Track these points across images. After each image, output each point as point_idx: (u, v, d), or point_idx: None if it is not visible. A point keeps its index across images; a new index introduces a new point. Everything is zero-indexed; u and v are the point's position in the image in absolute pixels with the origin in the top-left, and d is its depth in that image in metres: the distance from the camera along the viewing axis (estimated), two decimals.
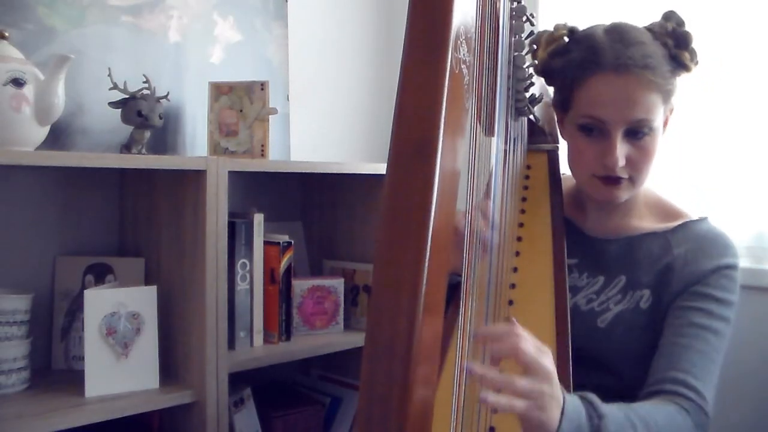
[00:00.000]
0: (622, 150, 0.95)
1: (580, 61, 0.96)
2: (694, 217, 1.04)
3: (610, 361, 0.99)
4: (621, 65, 0.92)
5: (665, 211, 1.06)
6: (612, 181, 0.98)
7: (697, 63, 1.00)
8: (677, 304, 0.97)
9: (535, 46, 1.05)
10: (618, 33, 0.96)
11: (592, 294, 1.03)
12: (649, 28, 0.99)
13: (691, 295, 0.96)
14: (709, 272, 0.97)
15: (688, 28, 0.98)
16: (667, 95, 0.96)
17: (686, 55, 0.97)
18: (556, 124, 1.10)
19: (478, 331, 0.76)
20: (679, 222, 1.03)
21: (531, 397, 0.71)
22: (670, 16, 0.99)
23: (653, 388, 0.91)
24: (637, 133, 0.95)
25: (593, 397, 0.80)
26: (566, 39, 1.02)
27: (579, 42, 0.99)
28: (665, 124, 1.02)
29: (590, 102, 0.95)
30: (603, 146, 0.96)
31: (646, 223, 1.05)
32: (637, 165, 0.97)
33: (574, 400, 0.77)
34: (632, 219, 1.06)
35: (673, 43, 0.97)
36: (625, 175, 0.97)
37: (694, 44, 0.98)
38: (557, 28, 1.03)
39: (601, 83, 0.94)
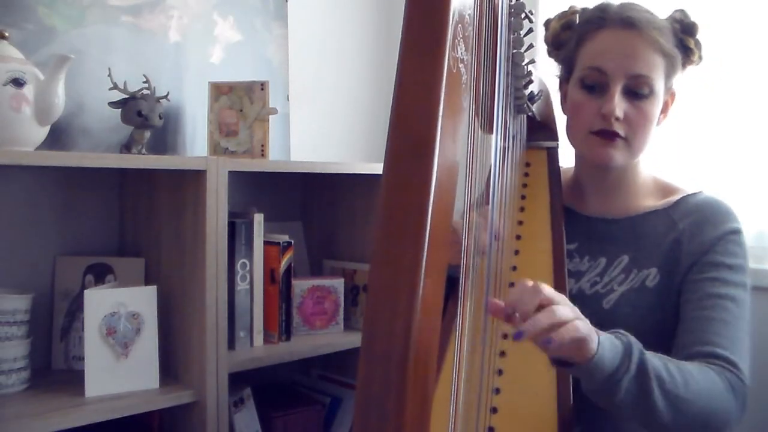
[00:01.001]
0: (620, 104, 0.96)
1: (588, 19, 1.01)
2: (691, 191, 1.05)
3: None
4: (627, 20, 0.97)
5: (663, 188, 1.07)
6: (608, 135, 0.98)
7: (701, 57, 1.02)
8: (690, 278, 0.97)
9: (546, 26, 1.10)
10: (628, 3, 1.01)
11: (596, 277, 1.03)
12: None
13: (703, 266, 0.96)
14: (716, 239, 0.97)
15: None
16: (670, 63, 0.98)
17: (691, 41, 1.00)
18: (561, 103, 1.11)
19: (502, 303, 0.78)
20: (678, 197, 1.04)
21: (575, 318, 0.75)
22: (679, 10, 1.03)
23: None
24: (637, 93, 0.97)
25: (630, 336, 0.83)
26: (577, 17, 1.06)
27: (591, 10, 1.03)
28: (666, 107, 1.03)
29: (593, 53, 0.99)
30: (601, 101, 0.98)
31: (645, 202, 1.06)
32: (633, 125, 0.98)
33: (609, 338, 0.81)
34: (632, 199, 1.06)
35: (680, 27, 1.00)
36: (621, 132, 0.98)
37: (701, 38, 1.01)
38: (572, 7, 1.08)
39: (606, 36, 0.99)
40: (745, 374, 0.88)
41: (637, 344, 0.81)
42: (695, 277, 0.96)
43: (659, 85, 0.98)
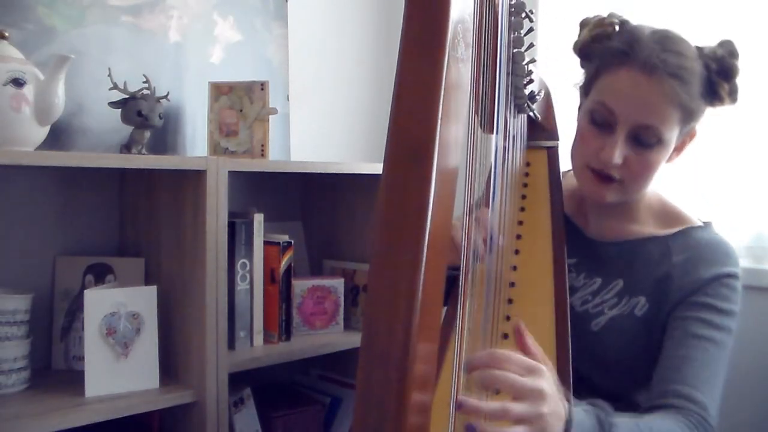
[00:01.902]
0: (622, 149, 0.93)
1: (615, 51, 0.94)
2: (697, 223, 1.03)
3: (602, 364, 0.98)
4: (650, 65, 0.90)
5: (668, 215, 1.04)
6: (603, 178, 0.96)
7: (735, 100, 0.96)
8: (677, 315, 0.95)
9: (581, 27, 1.03)
10: (663, 36, 0.94)
11: (588, 295, 1.02)
12: (699, 47, 0.96)
13: (691, 305, 0.95)
14: (708, 281, 0.95)
15: (740, 63, 0.95)
16: (688, 114, 0.93)
17: (725, 86, 0.94)
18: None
19: (467, 363, 0.73)
20: (681, 228, 1.02)
21: (530, 422, 0.69)
22: (725, 44, 0.96)
23: (657, 402, 0.90)
24: (643, 140, 0.93)
25: (604, 405, 0.79)
26: (616, 28, 0.99)
27: (622, 33, 0.97)
28: (681, 147, 0.99)
29: (607, 90, 0.94)
30: (605, 140, 0.94)
31: (647, 227, 1.04)
32: (632, 172, 0.95)
33: (580, 413, 0.76)
34: (633, 223, 1.04)
35: (716, 68, 0.94)
36: (617, 176, 0.95)
37: (739, 81, 0.95)
38: (611, 15, 1.01)
39: (624, 76, 0.92)
40: (713, 417, 0.88)
41: (608, 422, 0.78)
42: (681, 314, 0.95)
43: (670, 135, 0.93)
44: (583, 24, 1.03)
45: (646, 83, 0.90)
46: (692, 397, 0.88)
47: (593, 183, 0.98)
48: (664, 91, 0.90)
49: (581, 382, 0.88)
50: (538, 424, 0.70)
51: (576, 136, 1.01)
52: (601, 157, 0.94)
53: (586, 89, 1.00)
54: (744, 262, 1.32)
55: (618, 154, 0.93)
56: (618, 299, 1.00)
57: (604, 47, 0.97)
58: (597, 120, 0.96)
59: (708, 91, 0.94)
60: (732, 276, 0.96)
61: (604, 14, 1.01)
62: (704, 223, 1.03)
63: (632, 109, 0.92)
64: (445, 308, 0.97)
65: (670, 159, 0.99)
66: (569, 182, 1.12)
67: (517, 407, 0.69)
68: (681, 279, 0.96)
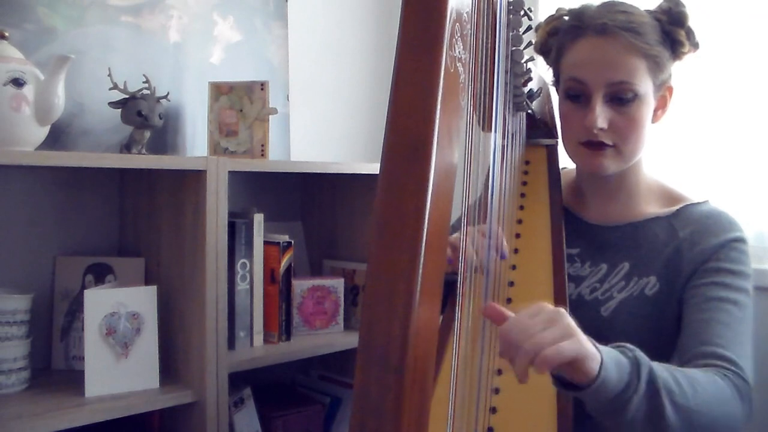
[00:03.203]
0: (603, 113, 0.95)
1: (567, 29, 0.99)
2: (695, 200, 1.04)
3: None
4: (602, 26, 0.94)
5: (666, 195, 1.06)
6: (595, 146, 0.98)
7: (695, 45, 0.99)
8: (692, 285, 0.96)
9: (536, 30, 1.08)
10: (608, 3, 0.99)
11: (596, 283, 1.02)
12: (647, 9, 0.99)
13: (704, 273, 0.95)
14: (718, 247, 0.96)
15: (689, 11, 0.98)
16: (653, 63, 0.95)
17: (680, 32, 0.97)
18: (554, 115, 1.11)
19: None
20: (681, 205, 1.03)
21: (566, 335, 0.70)
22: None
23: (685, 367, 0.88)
24: (621, 98, 0.95)
25: (634, 347, 0.79)
26: (565, 18, 1.03)
27: (570, 14, 1.01)
28: (663, 104, 1.01)
29: (572, 64, 0.98)
30: (585, 111, 0.97)
31: (648, 207, 1.05)
32: (621, 132, 0.96)
33: (610, 350, 0.76)
34: (633, 204, 1.05)
35: (667, 19, 0.97)
36: (608, 141, 0.97)
37: (692, 25, 0.98)
38: (559, 10, 1.05)
39: (583, 46, 0.96)
40: (748, 374, 0.86)
41: (644, 359, 0.77)
42: (697, 282, 0.95)
43: (644, 87, 0.96)
44: (537, 28, 1.08)
45: (603, 43, 0.94)
46: (722, 355, 0.86)
47: (588, 156, 0.99)
48: (622, 45, 0.94)
49: None
50: (569, 342, 0.69)
51: (561, 123, 1.03)
52: (585, 126, 0.96)
53: (556, 78, 1.04)
54: None
55: (600, 117, 0.95)
56: (626, 282, 1.00)
57: (558, 34, 1.02)
58: (572, 96, 0.99)
59: (665, 39, 0.97)
60: (739, 240, 0.98)
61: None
62: (702, 200, 1.05)
63: (598, 71, 0.95)
64: (444, 307, 0.97)
65: (656, 117, 1.01)
66: (568, 176, 1.13)
67: (549, 330, 0.70)
68: (690, 251, 0.97)
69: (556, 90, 1.06)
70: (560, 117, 1.03)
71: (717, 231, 0.98)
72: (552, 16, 1.06)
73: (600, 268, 1.03)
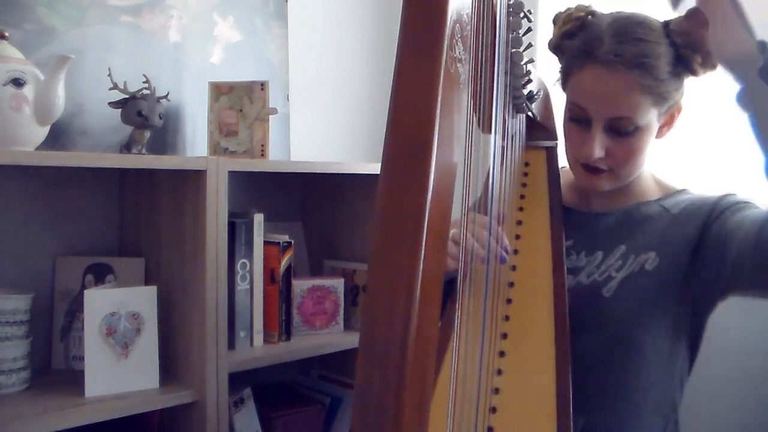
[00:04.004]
0: (602, 142, 0.96)
1: (578, 51, 0.97)
2: (687, 189, 1.07)
3: (620, 323, 0.98)
4: (610, 61, 0.92)
5: (661, 186, 1.09)
6: (591, 170, 1.00)
7: (712, 67, 0.95)
8: (710, 234, 0.95)
9: (553, 24, 1.05)
10: (622, 26, 0.94)
11: (593, 269, 1.03)
12: (666, 22, 0.96)
13: (715, 219, 0.95)
14: (714, 204, 0.97)
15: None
16: (659, 97, 0.94)
17: (696, 58, 0.94)
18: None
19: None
20: (671, 191, 1.06)
21: None
22: (692, 14, 0.93)
23: None
24: (620, 130, 0.95)
25: None
26: (581, 23, 1.00)
27: (585, 29, 0.98)
28: (669, 122, 1.01)
29: (576, 90, 0.98)
30: (585, 136, 0.97)
31: (640, 196, 1.07)
32: (618, 160, 0.98)
33: None
34: (630, 196, 1.07)
35: (683, 42, 0.93)
36: (604, 167, 0.99)
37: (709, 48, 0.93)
38: (578, 8, 1.02)
39: (589, 75, 0.95)
40: None
41: None
42: (713, 229, 0.94)
43: (646, 120, 0.95)
44: (555, 21, 1.05)
45: (608, 78, 0.92)
46: None
47: (585, 176, 1.01)
48: (626, 83, 0.91)
49: (596, 343, 0.90)
50: None
51: (564, 133, 1.04)
52: (582, 153, 0.97)
53: (562, 87, 1.04)
54: None
55: (597, 148, 0.95)
56: (623, 261, 1.01)
57: (570, 46, 0.99)
58: (574, 118, 0.99)
59: (679, 66, 0.95)
60: (733, 194, 0.99)
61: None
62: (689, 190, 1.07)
63: (601, 104, 0.94)
64: (445, 308, 0.97)
65: (660, 134, 1.02)
66: (567, 176, 1.14)
67: None
68: (687, 224, 0.98)
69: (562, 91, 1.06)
70: (563, 131, 1.04)
71: (709, 199, 1.00)
72: (568, 15, 1.02)
73: (596, 256, 1.03)
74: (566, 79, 1.00)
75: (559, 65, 1.05)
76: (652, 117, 0.96)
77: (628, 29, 0.94)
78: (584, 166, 1.00)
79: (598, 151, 0.96)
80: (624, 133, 0.95)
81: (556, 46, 1.04)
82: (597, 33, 0.95)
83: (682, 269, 0.97)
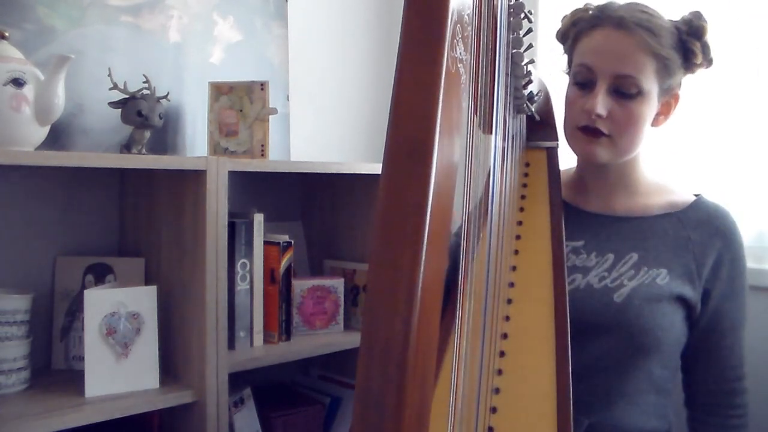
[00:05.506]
0: (605, 101, 0.98)
1: (589, 18, 1.03)
2: (693, 195, 1.08)
3: (630, 329, 0.99)
4: (620, 20, 0.98)
5: (661, 187, 1.09)
6: (591, 132, 1.00)
7: (709, 60, 1.02)
8: (712, 295, 1.03)
9: (562, 20, 1.11)
10: (633, 2, 1.02)
11: (604, 272, 1.03)
12: (671, 18, 1.03)
13: (721, 283, 1.03)
14: (728, 261, 1.04)
15: (709, 28, 1.01)
16: (663, 64, 0.98)
17: (696, 44, 1.00)
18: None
19: None
20: (684, 200, 1.07)
21: None
22: (694, 12, 1.02)
23: None
24: (624, 93, 0.98)
25: None
26: (590, 12, 1.07)
27: (595, 9, 1.05)
28: (666, 110, 1.04)
29: (584, 51, 1.02)
30: (589, 97, 1.00)
31: (648, 201, 1.07)
32: (618, 123, 0.99)
33: None
34: (634, 197, 1.08)
35: (686, 29, 1.00)
36: (604, 130, 1.00)
37: (709, 40, 1.01)
38: (587, 4, 1.08)
39: (598, 35, 1.00)
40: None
41: None
42: (709, 305, 1.03)
43: (649, 86, 0.98)
44: (564, 17, 1.11)
45: (618, 36, 0.98)
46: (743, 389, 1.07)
47: (583, 142, 1.02)
48: (635, 41, 0.97)
49: (606, 349, 0.94)
50: None
51: (564, 107, 1.06)
52: (585, 110, 0.99)
53: (569, 65, 1.07)
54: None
55: (600, 104, 0.98)
56: (635, 271, 1.02)
57: (581, 18, 1.06)
58: (579, 81, 1.02)
59: (680, 46, 1.00)
60: (742, 249, 1.06)
61: (551, 23, 1.14)
62: (695, 195, 1.09)
63: (608, 61, 0.98)
64: (445, 308, 0.97)
65: (657, 122, 1.04)
66: (567, 174, 1.15)
67: None
68: (702, 256, 1.03)
69: (568, 73, 1.09)
70: (564, 101, 1.06)
71: (725, 236, 1.04)
72: (578, 8, 1.09)
73: (606, 258, 1.04)
74: (573, 49, 1.04)
75: (566, 53, 1.09)
76: (653, 86, 0.99)
77: (638, 5, 1.02)
78: (583, 130, 1.01)
79: (600, 108, 0.97)
80: (627, 95, 0.98)
81: (564, 34, 1.09)
82: (609, 5, 1.03)
83: (688, 294, 1.02)
